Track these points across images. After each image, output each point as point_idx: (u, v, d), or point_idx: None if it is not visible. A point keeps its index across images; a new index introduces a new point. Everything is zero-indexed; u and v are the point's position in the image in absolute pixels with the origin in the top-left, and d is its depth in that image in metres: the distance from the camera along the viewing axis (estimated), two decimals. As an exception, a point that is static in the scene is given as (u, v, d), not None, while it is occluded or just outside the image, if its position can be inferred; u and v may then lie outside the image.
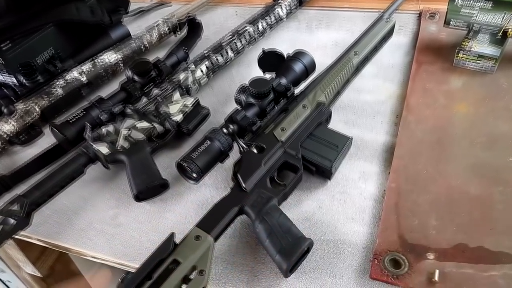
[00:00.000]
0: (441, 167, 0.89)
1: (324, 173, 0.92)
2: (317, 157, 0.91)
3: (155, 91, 1.12)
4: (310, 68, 1.10)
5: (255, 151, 0.91)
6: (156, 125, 1.06)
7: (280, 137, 0.92)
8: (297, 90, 1.05)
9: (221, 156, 0.92)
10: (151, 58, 1.20)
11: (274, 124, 0.96)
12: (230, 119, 0.95)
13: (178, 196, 0.95)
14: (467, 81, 1.10)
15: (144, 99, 1.10)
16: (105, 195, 1.00)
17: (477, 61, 1.11)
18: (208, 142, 0.91)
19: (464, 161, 0.89)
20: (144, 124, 1.06)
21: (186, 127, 1.06)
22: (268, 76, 1.04)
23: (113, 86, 1.18)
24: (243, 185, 0.84)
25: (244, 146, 0.91)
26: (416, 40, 1.27)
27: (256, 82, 1.00)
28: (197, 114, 1.09)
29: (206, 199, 0.94)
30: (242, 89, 1.04)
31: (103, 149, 0.99)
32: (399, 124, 1.02)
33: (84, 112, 1.05)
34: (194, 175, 0.88)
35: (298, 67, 1.08)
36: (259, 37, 1.35)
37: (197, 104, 1.11)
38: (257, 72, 1.08)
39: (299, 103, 1.00)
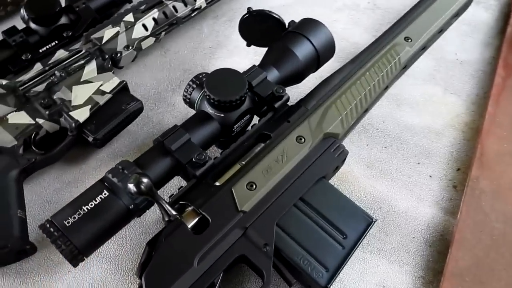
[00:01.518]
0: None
1: (312, 291, 0.50)
2: (303, 258, 0.48)
3: (60, 54, 0.65)
4: (323, 53, 0.63)
5: (189, 225, 0.47)
6: (43, 122, 0.61)
7: (242, 203, 0.48)
8: (293, 93, 0.60)
9: (127, 219, 0.49)
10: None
11: (239, 168, 0.51)
12: (161, 147, 0.51)
13: (52, 269, 0.53)
14: None
15: (37, 68, 0.64)
16: None
17: None
18: (106, 193, 0.47)
19: None
20: (21, 117, 0.61)
21: (92, 134, 0.60)
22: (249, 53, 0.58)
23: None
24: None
25: (171, 212, 0.47)
26: (506, 20, 0.77)
27: (219, 78, 0.55)
28: (115, 112, 0.63)
29: (102, 279, 0.52)
30: (198, 82, 0.58)
31: None
32: (462, 189, 0.57)
33: None
34: (68, 258, 0.46)
35: (302, 49, 0.62)
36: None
37: (121, 90, 0.65)
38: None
39: (292, 129, 0.54)
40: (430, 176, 0.60)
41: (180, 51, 0.77)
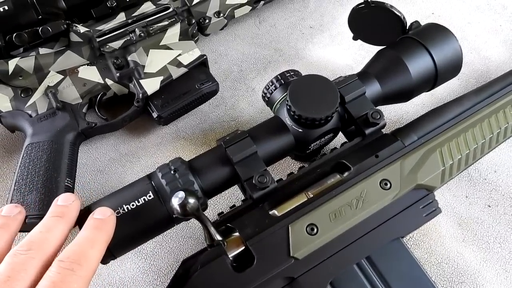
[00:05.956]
0: None
1: None
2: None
3: (146, 8, 0.59)
4: (444, 74, 0.52)
5: (230, 254, 0.42)
6: (112, 84, 0.57)
7: (296, 248, 0.41)
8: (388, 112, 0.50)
9: (167, 226, 0.44)
10: None
11: (303, 201, 0.44)
12: (222, 153, 0.44)
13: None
14: None
15: (119, 18, 0.59)
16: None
17: None
18: (151, 195, 0.42)
19: None
20: (91, 73, 0.56)
21: (157, 111, 0.55)
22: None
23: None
24: None
25: (216, 237, 0.41)
26: None
27: (306, 88, 0.46)
28: (187, 90, 0.56)
29: (133, 276, 0.49)
30: (283, 81, 0.50)
31: (2, 102, 0.54)
32: None
33: (7, 8, 0.56)
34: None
35: (418, 65, 0.51)
36: None
37: (199, 65, 0.58)
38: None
39: (378, 168, 0.44)
40: (539, 259, 0.48)
41: (276, 25, 0.67)
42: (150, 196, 0.42)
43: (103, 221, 0.37)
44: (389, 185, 0.44)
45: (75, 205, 0.38)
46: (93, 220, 0.37)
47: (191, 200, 0.38)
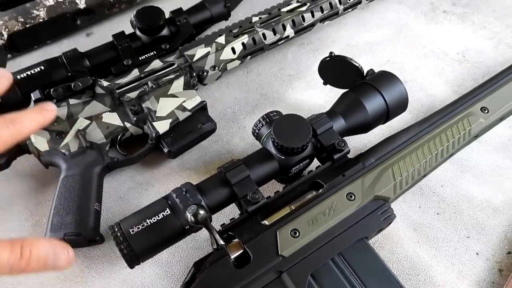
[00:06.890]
0: None
1: None
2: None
3: (155, 64, 0.73)
4: (394, 110, 0.65)
5: (232, 256, 0.53)
6: (130, 126, 0.69)
7: (283, 248, 0.53)
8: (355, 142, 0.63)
9: (181, 236, 0.56)
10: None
11: (288, 212, 0.56)
12: (222, 177, 0.56)
13: (113, 261, 0.62)
14: None
15: (134, 74, 0.72)
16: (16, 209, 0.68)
17: None
18: (168, 211, 0.54)
19: None
20: (113, 118, 0.69)
21: (167, 147, 0.68)
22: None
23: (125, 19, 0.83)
24: None
25: (220, 241, 0.52)
26: None
27: (286, 124, 0.59)
28: (191, 129, 0.69)
29: (152, 281, 0.60)
30: (268, 120, 0.63)
31: (41, 143, 0.66)
32: (508, 275, 0.57)
33: (43, 68, 0.69)
34: (127, 260, 0.54)
35: (373, 104, 0.63)
36: (347, 10, 0.85)
37: (200, 109, 0.71)
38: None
39: (345, 184, 0.57)
40: (477, 254, 0.60)
41: (261, 74, 0.81)
42: (167, 212, 0.54)
43: (46, 110, 0.45)
44: (353, 197, 0.56)
45: (53, 112, 0.45)
46: (38, 107, 0.45)
47: (201, 212, 0.50)
